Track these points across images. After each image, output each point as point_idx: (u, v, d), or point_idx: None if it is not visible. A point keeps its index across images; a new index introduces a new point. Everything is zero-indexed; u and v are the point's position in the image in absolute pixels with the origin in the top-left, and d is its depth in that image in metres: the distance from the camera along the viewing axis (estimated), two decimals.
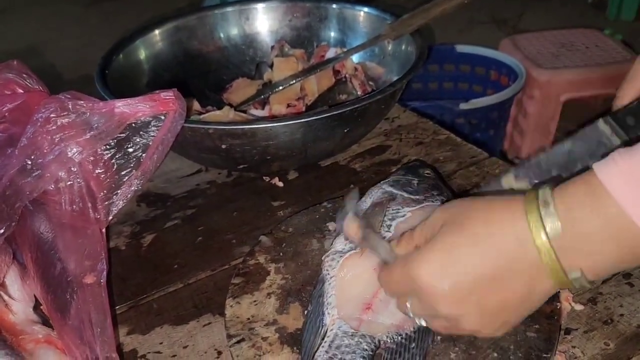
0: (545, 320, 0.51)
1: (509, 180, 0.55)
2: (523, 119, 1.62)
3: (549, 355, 0.48)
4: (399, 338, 0.48)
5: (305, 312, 0.54)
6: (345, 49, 0.92)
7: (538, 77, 1.50)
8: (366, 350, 0.47)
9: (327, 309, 0.51)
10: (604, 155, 0.44)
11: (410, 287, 0.44)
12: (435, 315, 0.44)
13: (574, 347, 0.52)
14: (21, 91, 0.56)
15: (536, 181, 0.54)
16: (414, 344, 0.48)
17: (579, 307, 0.55)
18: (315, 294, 0.53)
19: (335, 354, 0.47)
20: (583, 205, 0.39)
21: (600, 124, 0.55)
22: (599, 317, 0.54)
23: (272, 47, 0.97)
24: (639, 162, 0.37)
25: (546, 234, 0.40)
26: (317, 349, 0.48)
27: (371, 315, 0.50)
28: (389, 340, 0.49)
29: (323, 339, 0.49)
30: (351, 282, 0.52)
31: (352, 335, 0.48)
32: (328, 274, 0.53)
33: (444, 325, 0.45)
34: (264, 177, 0.80)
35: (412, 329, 0.49)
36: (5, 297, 0.55)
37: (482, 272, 0.42)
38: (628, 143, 0.53)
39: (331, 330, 0.49)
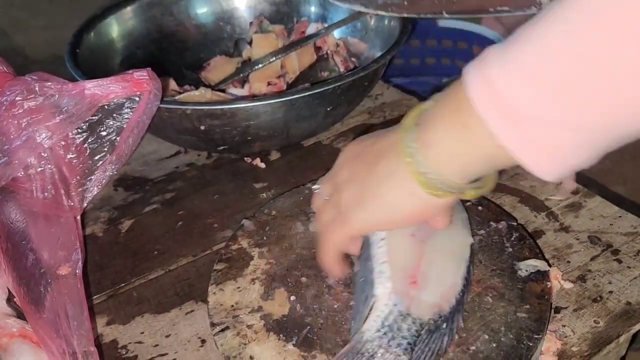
0: (535, 300, 0.50)
1: None
2: None
3: (540, 335, 0.47)
4: (438, 319, 0.46)
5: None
6: (326, 25, 0.89)
7: None
8: (415, 336, 0.45)
9: (378, 277, 0.47)
10: None
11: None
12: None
13: (564, 326, 0.51)
14: None
15: None
16: (445, 324, 0.46)
17: (568, 285, 0.55)
18: (362, 256, 0.50)
19: (386, 333, 0.44)
20: (448, 92, 0.40)
21: None
22: (588, 295, 0.54)
23: (251, 24, 0.94)
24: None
25: (419, 109, 0.42)
26: (365, 320, 0.46)
27: (416, 292, 0.46)
28: (431, 322, 0.46)
29: (371, 310, 0.46)
30: (398, 249, 0.48)
31: (405, 317, 0.45)
32: (377, 234, 0.49)
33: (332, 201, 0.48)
34: (245, 158, 0.77)
35: (447, 309, 0.47)
36: None
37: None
38: None
39: (385, 305, 0.46)
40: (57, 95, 0.49)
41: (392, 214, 0.43)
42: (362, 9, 0.53)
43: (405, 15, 0.53)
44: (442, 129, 0.39)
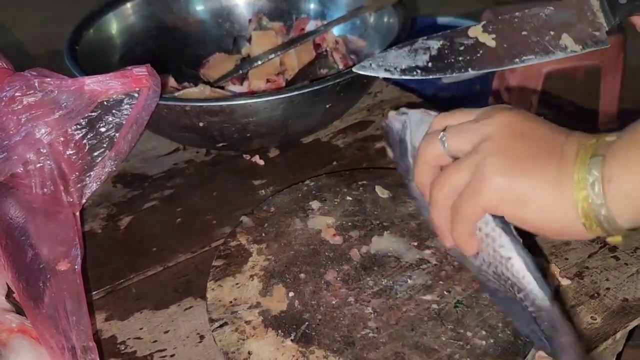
0: None
1: (476, 31, 0.52)
2: (505, 91, 1.62)
3: None
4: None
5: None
6: (325, 22, 0.89)
7: None
8: None
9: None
10: (582, 29, 0.45)
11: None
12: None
13: None
14: None
15: (503, 40, 0.52)
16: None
17: (565, 281, 0.55)
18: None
19: None
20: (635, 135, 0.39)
21: None
22: (585, 292, 0.54)
23: (250, 21, 0.94)
24: None
25: (601, 139, 0.39)
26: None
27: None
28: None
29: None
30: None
31: None
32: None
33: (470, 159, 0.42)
34: (244, 155, 0.77)
35: None
36: None
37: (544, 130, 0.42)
38: (610, 23, 0.52)
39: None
40: (56, 91, 0.49)
41: (539, 218, 0.41)
42: (387, 75, 0.55)
43: (431, 77, 0.54)
44: (630, 171, 0.38)
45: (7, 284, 0.55)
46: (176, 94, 0.77)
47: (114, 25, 0.86)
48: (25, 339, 0.49)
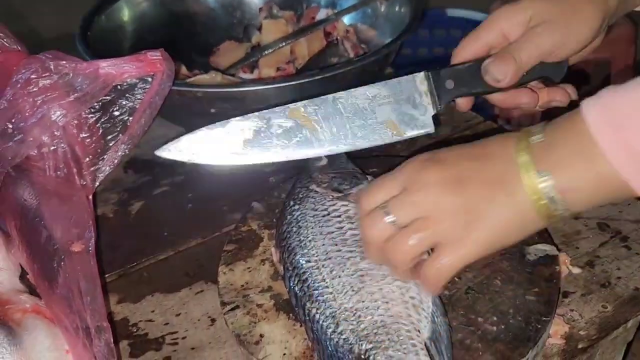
0: (544, 284, 0.50)
1: (296, 113, 0.51)
2: None
3: (548, 318, 0.48)
4: None
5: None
6: (336, 11, 0.89)
7: None
8: None
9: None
10: (407, 113, 0.49)
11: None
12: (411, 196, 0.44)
13: (572, 310, 0.51)
14: None
15: (324, 123, 0.51)
16: None
17: (576, 270, 0.55)
18: None
19: None
20: (563, 126, 0.42)
21: (420, 77, 0.52)
22: (596, 280, 0.54)
23: (260, 9, 0.94)
24: (619, 95, 0.39)
25: (528, 141, 0.42)
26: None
27: None
28: None
29: None
30: None
31: None
32: None
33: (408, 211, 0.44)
34: None
35: None
36: None
37: (464, 151, 0.45)
38: (436, 107, 0.52)
39: None
40: (71, 74, 0.49)
41: (507, 239, 0.44)
42: (192, 160, 0.53)
43: (245, 164, 0.52)
44: (577, 177, 0.40)
45: (20, 265, 0.56)
46: (187, 80, 0.77)
47: (125, 12, 0.86)
48: (39, 319, 0.50)
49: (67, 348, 0.47)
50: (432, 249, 0.44)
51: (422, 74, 0.52)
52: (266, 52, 0.84)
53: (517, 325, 0.47)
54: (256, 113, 0.51)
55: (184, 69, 0.83)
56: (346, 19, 0.88)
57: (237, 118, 0.51)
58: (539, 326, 0.47)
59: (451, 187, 0.43)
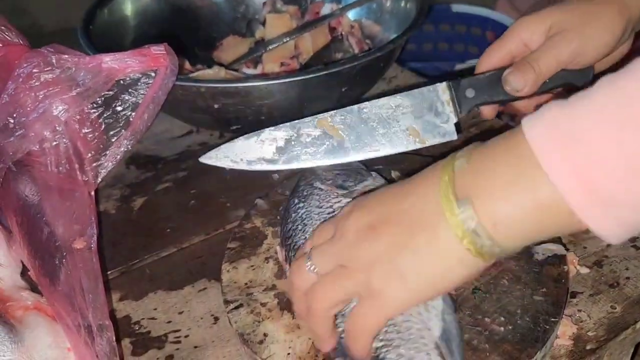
0: (552, 284, 0.49)
1: (323, 123, 0.53)
2: None
3: (556, 318, 0.47)
4: None
5: None
6: (340, 6, 0.88)
7: None
8: None
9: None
10: (430, 121, 0.49)
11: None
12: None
13: (579, 310, 0.51)
14: None
15: (350, 131, 0.53)
16: None
17: (584, 270, 0.54)
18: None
19: None
20: (497, 145, 0.36)
21: (442, 87, 0.54)
22: (604, 281, 0.53)
23: (264, 4, 0.93)
24: (567, 111, 0.33)
25: (452, 167, 0.37)
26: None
27: None
28: None
29: None
30: None
31: None
32: None
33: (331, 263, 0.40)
34: None
35: None
36: None
37: (387, 192, 0.41)
38: (458, 115, 0.54)
39: None
40: (74, 68, 0.48)
41: (441, 285, 0.39)
42: (233, 166, 0.58)
43: (277, 168, 0.58)
44: (510, 205, 0.35)
45: (21, 261, 0.55)
46: (191, 75, 0.76)
47: (128, 5, 0.85)
48: (40, 316, 0.49)
49: (68, 346, 0.47)
50: None
51: (444, 84, 0.54)
52: (270, 47, 0.83)
53: (524, 326, 0.47)
54: (287, 123, 0.55)
55: (187, 64, 0.82)
56: (351, 14, 0.87)
57: (271, 128, 0.55)
58: (547, 327, 0.46)
59: (366, 235, 0.39)
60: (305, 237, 0.50)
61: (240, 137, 0.56)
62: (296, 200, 0.54)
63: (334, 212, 0.51)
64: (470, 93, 0.54)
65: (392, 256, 0.38)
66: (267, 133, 0.55)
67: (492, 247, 0.36)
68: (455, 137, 0.54)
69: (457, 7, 1.49)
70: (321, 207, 0.52)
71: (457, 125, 0.54)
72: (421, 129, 0.53)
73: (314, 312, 0.41)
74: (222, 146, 0.56)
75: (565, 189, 0.33)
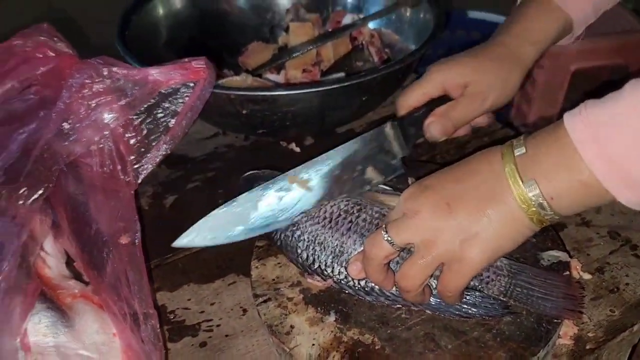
0: None
1: (294, 178, 0.58)
2: (531, 87, 1.61)
3: (558, 320, 0.51)
4: None
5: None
6: (361, 15, 0.92)
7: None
8: None
9: None
10: (382, 160, 0.56)
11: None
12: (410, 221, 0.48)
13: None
14: (52, 54, 0.57)
15: (318, 181, 0.57)
16: None
17: (587, 276, 0.58)
18: None
19: None
20: (547, 136, 0.45)
21: (387, 127, 0.59)
22: (605, 286, 0.58)
23: (287, 11, 0.97)
24: (600, 109, 0.42)
25: (512, 153, 0.46)
26: None
27: None
28: None
29: None
30: None
31: None
32: None
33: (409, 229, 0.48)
34: (281, 142, 0.81)
35: None
36: (41, 252, 0.57)
37: (449, 174, 0.49)
38: (405, 154, 0.59)
39: None
40: (122, 80, 0.53)
41: (509, 246, 0.47)
42: (211, 243, 0.59)
43: (257, 234, 0.60)
44: (563, 186, 0.44)
45: (65, 251, 0.60)
46: (220, 81, 0.80)
47: (159, 10, 0.90)
48: (87, 304, 0.54)
49: (114, 331, 0.52)
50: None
51: (388, 124, 0.59)
52: (295, 55, 0.87)
53: (529, 326, 0.51)
54: (261, 185, 0.59)
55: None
56: (371, 24, 0.91)
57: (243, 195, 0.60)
58: (550, 327, 0.50)
59: (442, 211, 0.47)
60: (329, 250, 0.55)
61: (213, 211, 0.59)
62: (289, 233, 0.58)
63: (327, 212, 0.56)
64: (412, 130, 0.59)
65: (471, 226, 0.46)
66: (240, 200, 0.60)
67: (552, 216, 0.45)
68: (403, 171, 0.59)
69: (472, 14, 1.51)
70: (314, 218, 0.57)
71: (402, 159, 0.59)
72: (376, 169, 0.58)
73: (408, 289, 0.49)
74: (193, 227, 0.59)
75: (600, 174, 0.41)
